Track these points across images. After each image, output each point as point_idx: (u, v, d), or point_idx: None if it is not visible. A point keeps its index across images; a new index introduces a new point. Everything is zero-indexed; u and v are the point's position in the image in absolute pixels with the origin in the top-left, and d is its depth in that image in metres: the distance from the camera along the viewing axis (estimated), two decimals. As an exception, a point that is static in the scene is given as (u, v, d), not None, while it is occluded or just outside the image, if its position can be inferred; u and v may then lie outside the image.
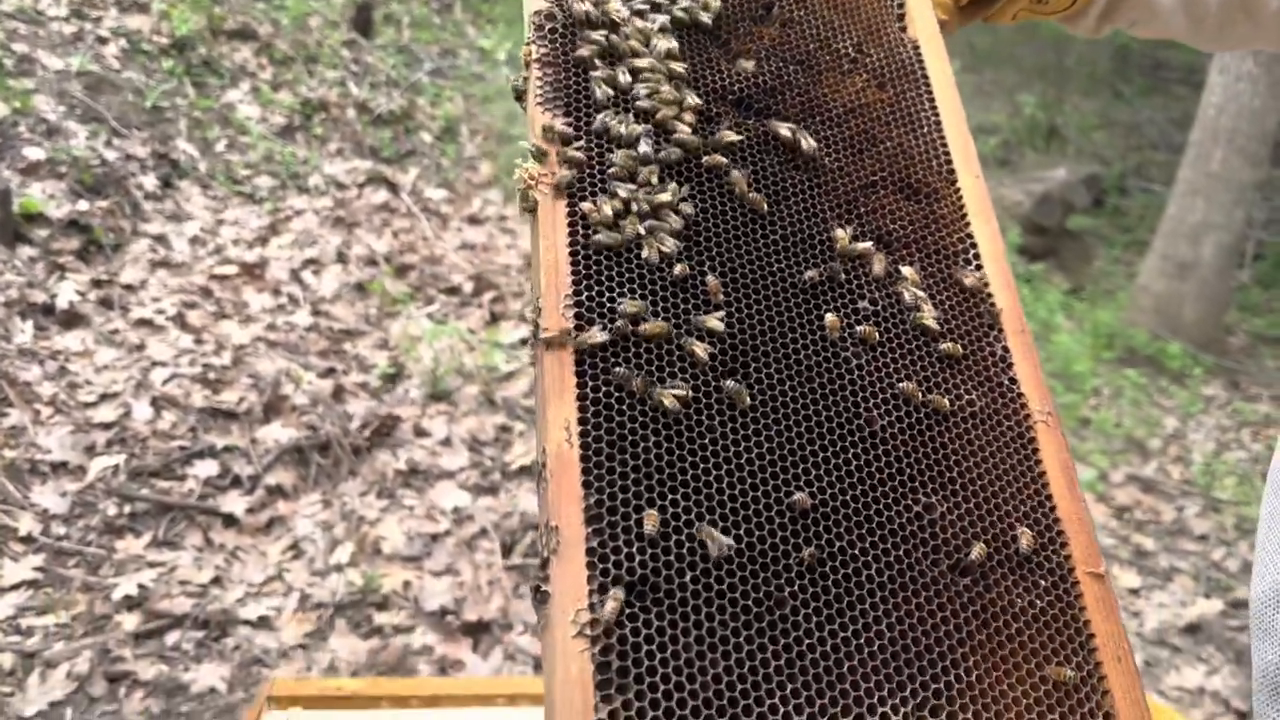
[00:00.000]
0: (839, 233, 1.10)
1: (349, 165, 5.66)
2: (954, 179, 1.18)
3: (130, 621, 3.08)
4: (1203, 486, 4.81)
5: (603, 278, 1.01)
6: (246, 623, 3.18)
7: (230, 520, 3.51)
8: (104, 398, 3.81)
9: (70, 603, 3.10)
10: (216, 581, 3.29)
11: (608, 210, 1.04)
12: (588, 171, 1.07)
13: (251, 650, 3.11)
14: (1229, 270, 6.51)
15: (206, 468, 3.65)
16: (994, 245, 1.14)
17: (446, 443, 4.09)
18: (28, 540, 3.23)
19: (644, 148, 1.08)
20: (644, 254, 1.02)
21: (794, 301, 1.06)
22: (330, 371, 4.24)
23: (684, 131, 1.11)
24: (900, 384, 1.02)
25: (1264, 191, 7.23)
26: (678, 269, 1.02)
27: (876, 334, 1.05)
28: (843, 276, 1.08)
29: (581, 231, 1.03)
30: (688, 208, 1.06)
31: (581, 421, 0.92)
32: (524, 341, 4.75)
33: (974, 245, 1.14)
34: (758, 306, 1.04)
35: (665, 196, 1.06)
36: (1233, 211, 6.27)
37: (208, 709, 2.92)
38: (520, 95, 1.14)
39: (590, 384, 0.95)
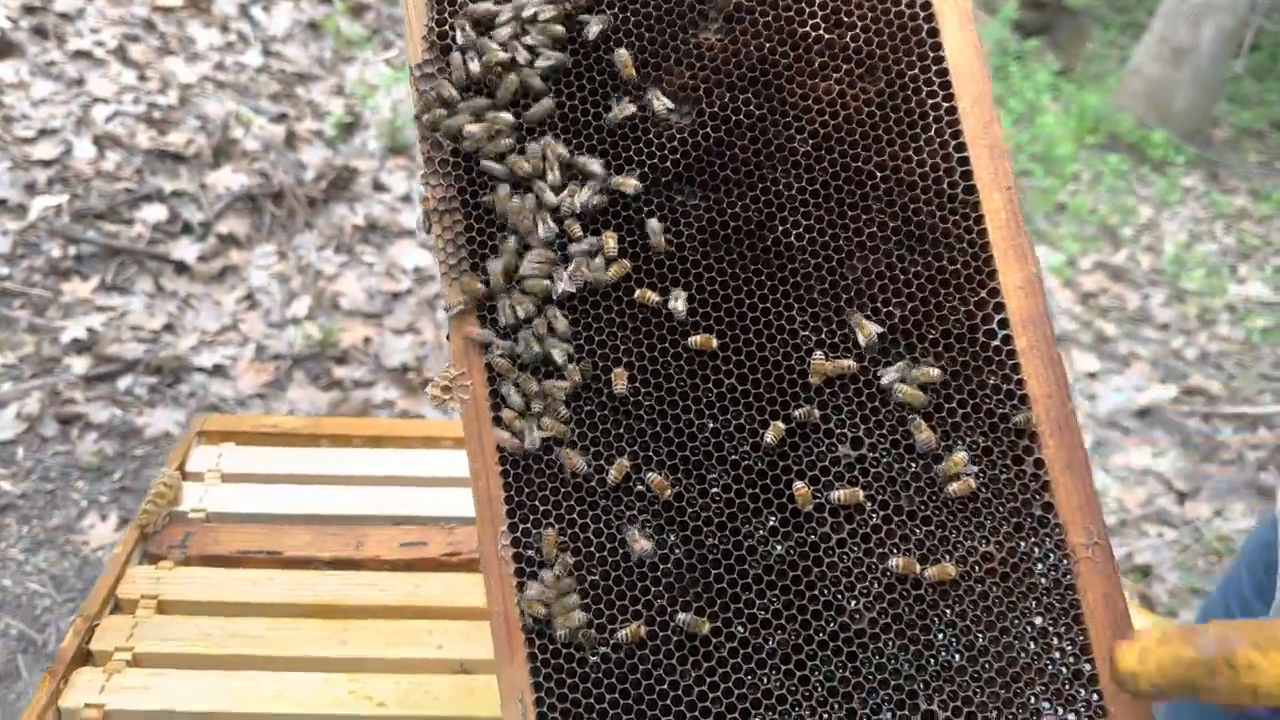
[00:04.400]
0: (815, 355, 0.87)
1: (302, -108, 5.18)
2: (975, 205, 0.88)
3: (80, 365, 3.02)
4: (1170, 276, 4.80)
5: (537, 507, 0.90)
6: (201, 370, 3.13)
7: (181, 267, 3.39)
8: (43, 133, 3.59)
9: (17, 343, 3.02)
10: (169, 329, 3.21)
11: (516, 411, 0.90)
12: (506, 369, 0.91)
13: (207, 398, 3.07)
14: (1225, 58, 6.27)
15: (155, 212, 3.50)
16: (1028, 298, 0.87)
17: (406, 199, 3.93)
18: (-32, 279, 3.11)
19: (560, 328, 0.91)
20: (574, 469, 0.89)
21: (756, 472, 0.87)
22: (282, 117, 4.01)
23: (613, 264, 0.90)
24: (893, 560, 0.84)
25: (1272, -26, 6.87)
26: (612, 473, 0.87)
27: (860, 494, 0.85)
28: (817, 415, 0.86)
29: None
30: (621, 385, 0.88)
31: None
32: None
33: (1000, 309, 0.87)
34: (711, 493, 0.87)
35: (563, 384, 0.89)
36: (1238, -8, 5.97)
37: (162, 453, 2.90)
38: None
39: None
